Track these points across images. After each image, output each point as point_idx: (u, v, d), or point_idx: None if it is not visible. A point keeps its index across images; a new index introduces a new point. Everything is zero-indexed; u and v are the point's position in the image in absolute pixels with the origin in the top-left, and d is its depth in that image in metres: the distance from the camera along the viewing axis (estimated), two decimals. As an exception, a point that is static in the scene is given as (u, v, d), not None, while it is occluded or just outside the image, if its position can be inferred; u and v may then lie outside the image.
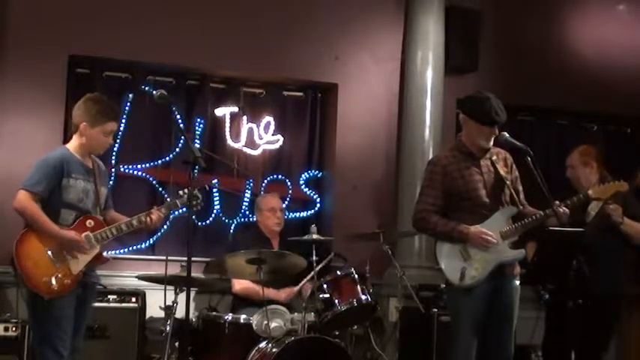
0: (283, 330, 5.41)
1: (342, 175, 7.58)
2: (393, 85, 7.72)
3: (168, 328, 5.40)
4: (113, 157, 7.01)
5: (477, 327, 4.59)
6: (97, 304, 4.96)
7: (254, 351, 5.38)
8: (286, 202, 7.30)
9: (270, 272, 5.52)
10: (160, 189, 7.13)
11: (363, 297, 5.66)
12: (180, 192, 4.78)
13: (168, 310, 5.46)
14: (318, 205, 7.61)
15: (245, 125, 7.45)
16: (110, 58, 7.02)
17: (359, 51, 7.69)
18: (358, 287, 5.67)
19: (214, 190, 7.21)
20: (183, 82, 7.37)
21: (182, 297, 5.32)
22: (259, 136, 7.48)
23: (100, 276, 4.86)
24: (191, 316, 5.38)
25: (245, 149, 7.45)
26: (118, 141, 7.00)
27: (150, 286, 6.00)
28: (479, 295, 4.58)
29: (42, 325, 4.45)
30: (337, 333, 5.92)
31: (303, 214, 7.56)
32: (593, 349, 5.53)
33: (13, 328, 5.82)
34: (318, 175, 7.70)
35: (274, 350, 5.23)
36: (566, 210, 4.60)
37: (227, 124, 7.40)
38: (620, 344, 6.58)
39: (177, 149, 7.18)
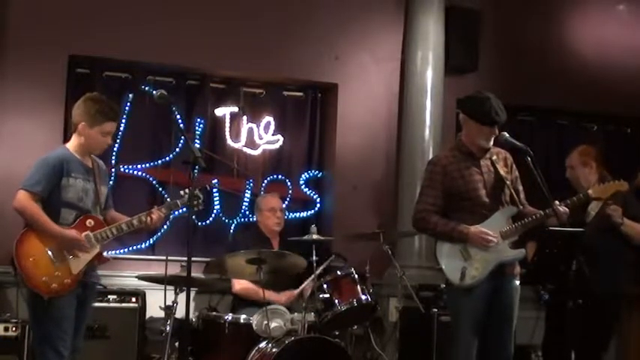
0: (283, 330, 5.41)
1: (342, 175, 7.58)
2: (393, 85, 7.73)
3: (168, 328, 5.40)
4: (113, 157, 7.01)
5: (477, 327, 4.59)
6: (97, 304, 4.96)
7: (254, 351, 5.38)
8: (286, 202, 7.30)
9: (270, 272, 5.52)
10: (160, 189, 7.13)
11: (363, 297, 5.66)
12: (182, 192, 4.78)
13: (168, 310, 5.46)
14: (318, 205, 7.61)
15: (245, 125, 7.45)
16: (110, 58, 7.02)
17: (359, 51, 7.69)
18: (358, 287, 5.67)
19: (214, 190, 7.21)
20: (183, 82, 7.37)
21: (182, 297, 5.32)
22: (259, 136, 7.48)
23: (100, 276, 4.86)
24: (191, 316, 5.38)
25: (245, 149, 7.45)
26: (118, 141, 7.01)
27: (150, 286, 6.00)
28: (479, 294, 4.58)
29: (42, 325, 4.45)
30: (337, 333, 5.92)
31: (303, 214, 7.56)
32: (593, 349, 5.53)
33: (13, 328, 5.82)
34: (318, 175, 7.70)
35: (274, 350, 5.23)
36: (566, 209, 4.60)
37: (227, 124, 7.40)
38: (620, 344, 6.58)
39: (177, 149, 7.18)
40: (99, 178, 4.70)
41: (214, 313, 5.76)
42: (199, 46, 7.15)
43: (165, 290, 5.52)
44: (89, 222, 4.59)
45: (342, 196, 7.53)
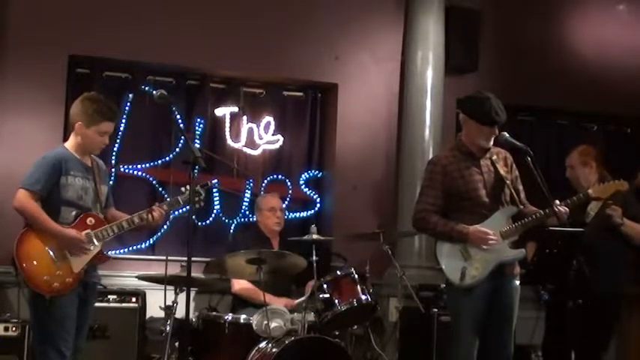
0: (283, 330, 5.41)
1: (342, 175, 7.58)
2: (393, 85, 7.73)
3: (168, 328, 5.40)
4: (113, 157, 7.01)
5: (477, 327, 4.59)
6: (97, 304, 4.95)
7: (254, 351, 5.37)
8: (286, 202, 7.30)
9: (270, 272, 5.52)
10: (160, 189, 7.13)
11: (363, 297, 5.66)
12: (182, 189, 4.77)
13: (169, 310, 5.46)
14: (318, 205, 7.61)
15: (245, 125, 7.45)
16: (110, 58, 7.02)
17: (359, 51, 7.69)
18: (358, 287, 5.66)
19: (214, 190, 7.21)
20: (183, 82, 7.37)
21: (182, 297, 5.32)
22: (259, 136, 7.48)
23: (100, 276, 4.86)
24: (191, 316, 5.38)
25: (245, 149, 7.45)
26: (118, 141, 7.02)
27: (150, 286, 6.00)
28: (479, 294, 4.58)
29: (44, 325, 4.45)
30: (337, 333, 5.92)
31: (303, 214, 7.56)
32: (593, 349, 5.53)
33: (14, 328, 5.83)
34: (318, 175, 7.70)
35: (274, 350, 5.23)
36: (566, 209, 4.60)
37: (227, 124, 7.40)
38: (620, 344, 6.57)
39: (177, 149, 7.18)
40: (98, 177, 4.69)
41: (214, 313, 5.75)
42: (199, 46, 7.15)
43: (165, 290, 5.52)
44: (90, 220, 4.59)
45: (342, 196, 7.53)
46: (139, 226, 4.71)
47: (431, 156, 6.88)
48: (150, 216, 4.67)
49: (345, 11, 7.62)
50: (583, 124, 8.60)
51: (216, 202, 7.29)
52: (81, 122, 4.61)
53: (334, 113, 7.66)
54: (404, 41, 7.69)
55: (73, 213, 4.55)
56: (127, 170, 7.10)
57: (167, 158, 7.22)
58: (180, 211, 6.83)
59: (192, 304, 6.20)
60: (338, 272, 5.77)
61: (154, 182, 7.17)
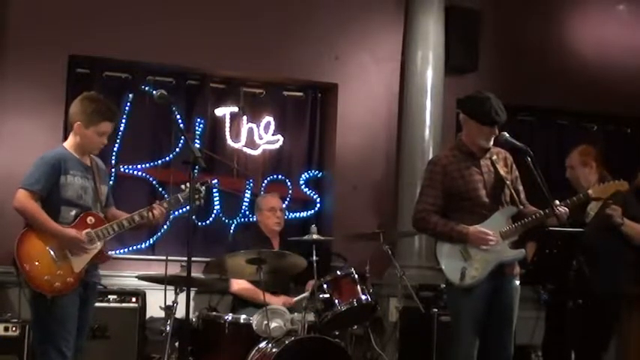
0: (283, 330, 5.41)
1: (342, 175, 7.58)
2: (393, 85, 7.73)
3: (168, 328, 5.40)
4: (113, 157, 7.01)
5: (478, 327, 4.59)
6: (97, 304, 4.95)
7: (254, 351, 5.37)
8: (286, 202, 7.30)
9: (270, 272, 5.52)
10: (160, 189, 7.13)
11: (363, 297, 5.66)
12: (182, 186, 4.76)
13: (169, 310, 5.46)
14: (318, 205, 7.61)
15: (245, 125, 7.45)
16: (110, 58, 7.02)
17: (359, 51, 7.69)
18: (358, 287, 5.66)
19: (214, 190, 7.21)
20: (183, 82, 7.37)
21: (182, 297, 5.32)
22: (259, 136, 7.48)
23: (100, 276, 4.85)
24: (191, 316, 5.38)
25: (245, 149, 7.45)
26: (118, 141, 7.02)
27: (150, 286, 6.00)
28: (479, 295, 4.58)
29: (46, 324, 4.45)
30: (337, 333, 5.92)
31: (303, 214, 7.56)
32: (593, 349, 5.53)
33: (14, 328, 5.83)
34: (318, 175, 7.70)
35: (274, 350, 5.23)
36: (566, 210, 4.60)
37: (227, 124, 7.40)
38: (620, 344, 6.58)
39: (177, 149, 7.18)
40: (98, 176, 4.69)
41: (214, 313, 5.75)
42: (199, 46, 7.15)
43: (165, 290, 5.52)
44: (90, 219, 4.59)
45: (342, 196, 7.53)
46: (140, 225, 4.71)
47: (431, 156, 6.88)
48: (150, 214, 4.66)
49: (345, 11, 7.62)
50: (583, 124, 8.59)
51: (216, 202, 7.29)
52: (80, 122, 4.61)
53: (334, 113, 7.66)
54: (404, 41, 7.69)
55: (73, 212, 4.55)
56: (127, 170, 7.10)
57: (167, 158, 7.21)
58: (181, 211, 6.86)
59: (192, 304, 6.20)
60: (338, 272, 5.77)
61: (154, 182, 7.17)
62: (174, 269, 5.84)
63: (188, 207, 4.78)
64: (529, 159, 4.63)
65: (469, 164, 4.71)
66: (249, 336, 5.44)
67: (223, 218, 7.32)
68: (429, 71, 7.50)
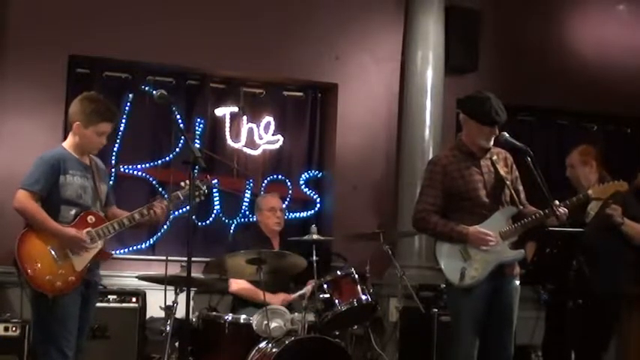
0: (283, 330, 5.41)
1: (342, 175, 7.58)
2: (393, 85, 7.73)
3: (168, 328, 5.40)
4: (113, 157, 7.01)
5: (478, 327, 4.59)
6: (97, 304, 4.95)
7: (254, 351, 5.37)
8: (286, 202, 7.30)
9: (270, 272, 5.51)
10: (160, 189, 7.13)
11: (363, 297, 5.66)
12: (182, 183, 4.76)
13: (169, 310, 5.47)
14: (318, 205, 7.61)
15: (245, 125, 7.45)
16: (110, 58, 7.02)
17: (359, 51, 7.69)
18: (358, 287, 5.66)
19: (214, 190, 7.21)
20: (183, 82, 7.37)
21: (182, 297, 5.32)
22: (259, 136, 7.48)
23: (101, 275, 4.85)
24: (191, 316, 5.38)
25: (245, 149, 7.45)
26: (118, 141, 7.02)
27: (150, 286, 6.00)
28: (479, 295, 4.58)
29: (47, 324, 4.45)
30: (337, 333, 5.92)
31: (303, 214, 7.56)
32: (593, 349, 5.53)
33: (14, 328, 5.83)
34: (318, 175, 7.70)
35: (274, 350, 5.23)
36: (566, 210, 4.60)
37: (227, 124, 7.40)
38: (620, 344, 6.57)
39: (177, 149, 7.18)
40: (97, 175, 4.69)
41: (214, 313, 5.75)
42: (199, 46, 7.15)
43: (165, 290, 5.52)
44: (90, 218, 4.59)
45: (342, 196, 7.53)
46: (141, 223, 4.70)
47: (431, 156, 6.88)
48: (152, 212, 4.65)
49: (345, 11, 7.62)
50: (583, 124, 8.60)
51: (216, 202, 7.29)
52: (79, 122, 4.61)
53: (334, 113, 7.66)
54: (404, 41, 7.69)
55: (73, 212, 4.54)
56: (127, 170, 7.10)
57: (167, 158, 7.22)
58: (181, 211, 6.86)
59: (192, 304, 6.20)
60: (338, 272, 5.77)
61: (154, 182, 7.17)
62: (174, 269, 5.85)
63: (188, 207, 4.77)
64: (529, 159, 4.62)
65: (469, 164, 4.71)
66: (249, 336, 5.44)
67: (223, 218, 7.33)
68: (429, 71, 7.50)
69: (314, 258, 5.59)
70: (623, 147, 8.54)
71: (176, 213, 6.97)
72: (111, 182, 6.11)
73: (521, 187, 4.83)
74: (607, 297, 5.46)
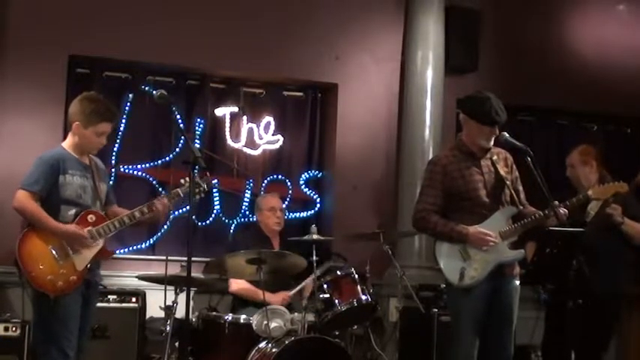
0: (283, 330, 5.41)
1: (342, 175, 7.58)
2: (393, 85, 7.73)
3: (168, 328, 5.40)
4: (113, 157, 7.01)
5: (477, 327, 4.59)
6: (97, 304, 4.95)
7: (254, 351, 5.37)
8: (286, 202, 7.30)
9: (270, 272, 5.51)
10: (160, 189, 7.13)
11: (363, 297, 5.66)
12: (182, 180, 4.75)
13: (169, 310, 5.47)
14: (318, 205, 7.61)
15: (245, 125, 7.45)
16: (110, 58, 7.02)
17: (359, 51, 7.69)
18: (358, 287, 5.67)
19: (214, 190, 7.21)
20: (183, 82, 7.37)
21: (182, 297, 5.32)
22: (259, 136, 7.49)
23: (101, 275, 4.85)
24: (191, 316, 5.38)
25: (245, 149, 7.45)
26: (118, 141, 7.02)
27: (150, 286, 6.00)
28: (478, 295, 4.58)
29: (48, 324, 4.44)
30: (337, 333, 5.92)
31: (303, 214, 7.56)
32: (593, 349, 5.52)
33: (14, 328, 5.82)
34: (318, 175, 7.70)
35: (274, 350, 5.23)
36: (565, 211, 4.60)
37: (227, 124, 7.40)
38: (620, 344, 6.58)
39: (177, 149, 7.18)
40: (97, 175, 4.69)
41: (214, 313, 5.75)
42: (199, 46, 7.15)
43: (165, 290, 5.53)
44: (90, 217, 4.58)
45: (342, 196, 7.53)
46: (141, 221, 4.70)
47: (431, 156, 6.88)
48: (154, 208, 4.64)
49: (345, 11, 7.62)
50: (583, 124, 8.60)
51: (216, 202, 7.29)
52: (78, 122, 4.60)
53: (334, 113, 7.66)
54: (404, 41, 7.69)
55: (73, 211, 4.54)
56: (127, 170, 7.10)
57: (167, 158, 7.22)
58: (181, 210, 6.87)
59: (192, 304, 6.20)
60: (338, 272, 5.77)
61: (154, 182, 7.17)
62: (174, 269, 5.84)
63: (188, 206, 4.77)
64: (529, 159, 4.62)
65: (469, 164, 4.71)
66: (249, 336, 5.44)
67: (223, 218, 7.33)
68: (429, 71, 7.50)
69: (314, 258, 5.59)
70: (623, 147, 8.54)
71: (176, 213, 6.97)
72: (111, 182, 6.11)
73: (521, 187, 4.83)
74: (607, 297, 5.46)
